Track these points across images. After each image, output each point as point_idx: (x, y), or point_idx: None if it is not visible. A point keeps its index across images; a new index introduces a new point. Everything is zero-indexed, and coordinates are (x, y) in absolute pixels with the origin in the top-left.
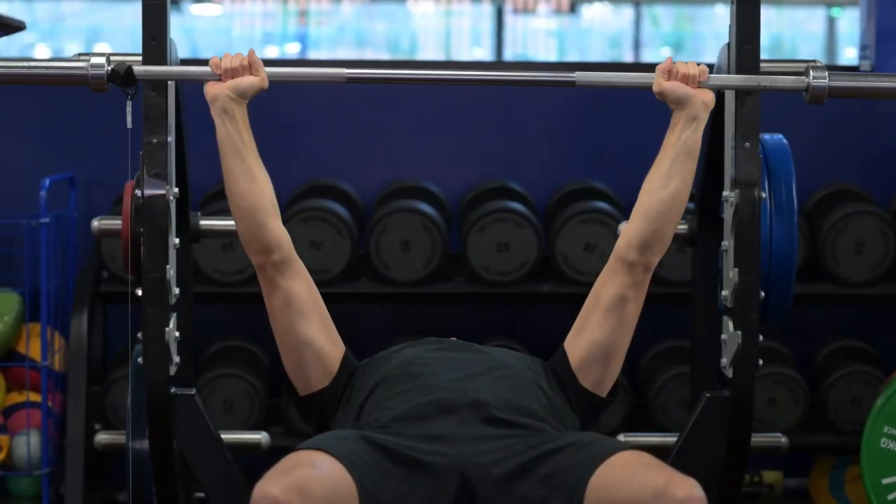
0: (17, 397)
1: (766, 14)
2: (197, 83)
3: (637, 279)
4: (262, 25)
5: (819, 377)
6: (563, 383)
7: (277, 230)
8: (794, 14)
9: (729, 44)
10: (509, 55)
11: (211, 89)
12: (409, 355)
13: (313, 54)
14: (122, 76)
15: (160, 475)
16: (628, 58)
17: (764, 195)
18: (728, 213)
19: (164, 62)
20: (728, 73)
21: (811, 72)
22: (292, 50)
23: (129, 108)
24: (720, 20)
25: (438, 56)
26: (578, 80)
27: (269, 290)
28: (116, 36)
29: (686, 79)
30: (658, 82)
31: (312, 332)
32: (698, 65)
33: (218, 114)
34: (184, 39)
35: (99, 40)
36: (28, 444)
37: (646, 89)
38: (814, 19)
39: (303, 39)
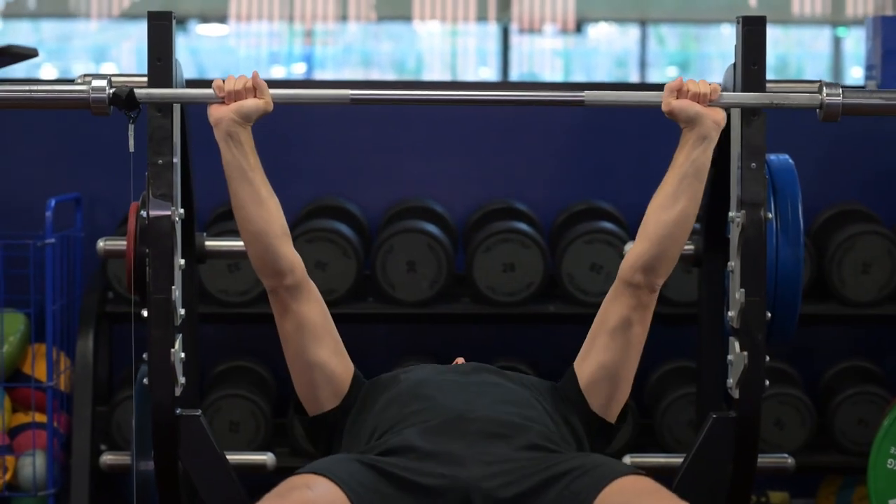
0: (22, 418)
1: (773, 34)
2: (202, 104)
3: (642, 301)
4: (268, 45)
5: (826, 397)
6: (573, 406)
7: (289, 254)
8: (801, 34)
9: (735, 63)
10: (515, 75)
11: (215, 112)
12: (418, 377)
13: (319, 74)
14: (123, 100)
15: (165, 496)
16: (634, 77)
17: (770, 216)
18: (734, 234)
19: (169, 83)
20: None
21: (825, 89)
22: (298, 70)
23: (131, 132)
24: (726, 40)
25: (444, 76)
26: (587, 99)
27: (281, 314)
28: (123, 56)
29: (697, 97)
30: (667, 101)
31: (324, 356)
32: (710, 83)
33: (223, 138)
34: (190, 60)
35: (105, 60)
36: (34, 464)
37: (653, 109)
38: (820, 39)
39: (309, 59)
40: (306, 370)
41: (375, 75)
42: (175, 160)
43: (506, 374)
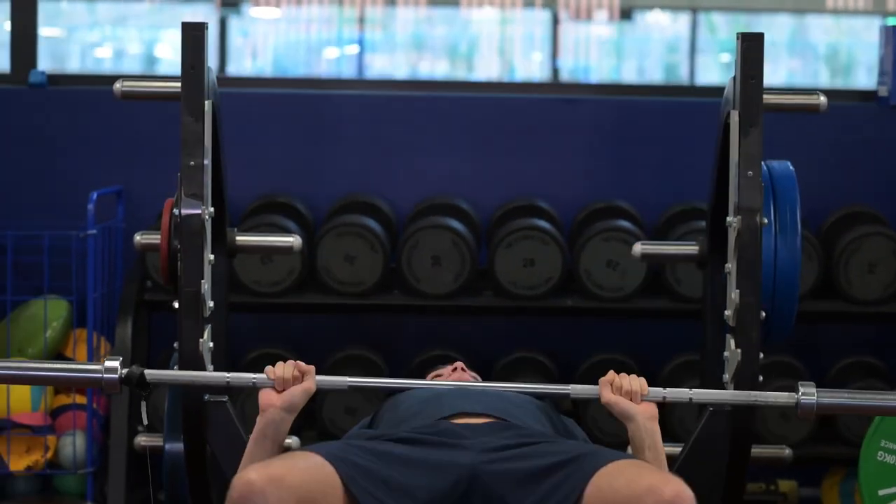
0: (64, 399)
1: (824, 23)
2: (230, 93)
3: None
4: (318, 30)
5: None
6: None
7: None
8: (852, 23)
9: (734, 77)
10: (568, 62)
11: (265, 398)
12: (419, 389)
13: (370, 58)
14: (134, 383)
15: (194, 477)
16: (685, 65)
17: (766, 221)
18: (731, 238)
19: (201, 90)
20: (733, 105)
21: (801, 388)
22: (351, 51)
23: (143, 409)
24: (777, 28)
25: (495, 63)
26: (573, 392)
27: None
28: (178, 38)
29: (629, 394)
30: (603, 394)
31: None
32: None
33: (266, 423)
34: (243, 42)
35: (159, 41)
36: (74, 444)
37: (675, 111)
38: (870, 29)
39: (360, 44)
40: None
41: (427, 62)
42: (206, 162)
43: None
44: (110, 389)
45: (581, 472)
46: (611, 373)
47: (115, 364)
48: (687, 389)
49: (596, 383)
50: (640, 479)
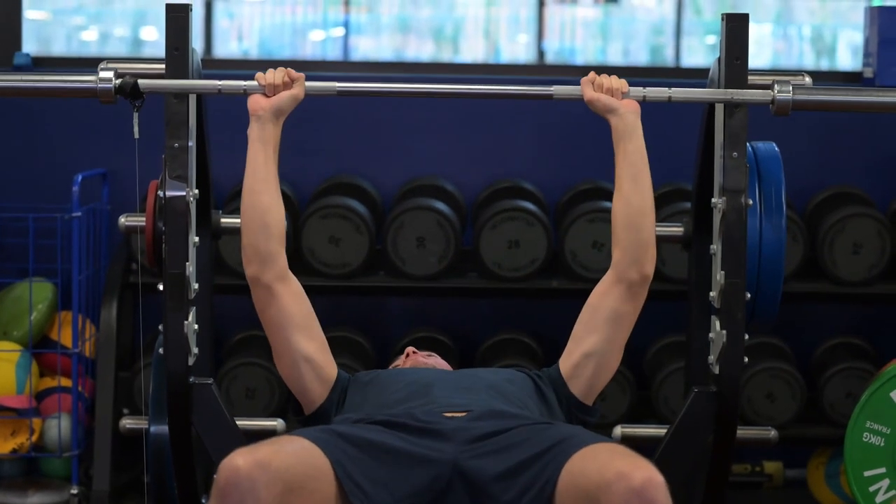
0: (49, 382)
1: (809, 5)
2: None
3: (635, 292)
4: (304, 13)
5: (816, 372)
6: (555, 389)
7: (280, 249)
8: (836, 5)
9: (720, 58)
10: (553, 44)
11: (253, 102)
12: (402, 370)
13: (356, 40)
14: (128, 91)
15: (179, 458)
16: (670, 46)
17: (751, 202)
18: (716, 219)
19: (185, 72)
20: (718, 86)
21: (776, 85)
22: (337, 33)
23: (135, 119)
24: (762, 10)
25: (480, 44)
26: (556, 93)
27: (265, 304)
28: (163, 20)
29: (610, 91)
30: (585, 92)
31: (307, 346)
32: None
33: (256, 129)
34: (228, 24)
35: (146, 24)
36: (59, 426)
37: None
38: (855, 11)
39: (346, 25)
40: (292, 361)
41: (412, 44)
42: (190, 144)
43: (487, 371)
44: (105, 97)
45: (557, 460)
46: (592, 73)
47: (110, 74)
48: (666, 88)
49: None
50: (610, 464)
